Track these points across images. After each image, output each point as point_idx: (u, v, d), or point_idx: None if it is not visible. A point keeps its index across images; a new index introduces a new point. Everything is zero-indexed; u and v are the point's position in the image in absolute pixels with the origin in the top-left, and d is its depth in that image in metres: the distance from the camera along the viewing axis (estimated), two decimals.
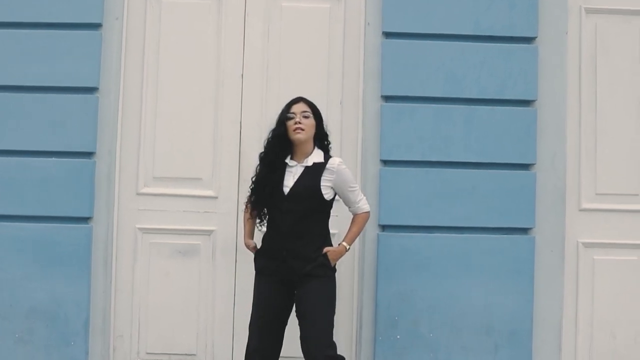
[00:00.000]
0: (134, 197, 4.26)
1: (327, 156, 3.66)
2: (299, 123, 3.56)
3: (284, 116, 3.62)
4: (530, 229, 4.22)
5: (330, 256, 3.58)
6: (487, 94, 4.21)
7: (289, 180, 3.58)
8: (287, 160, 3.61)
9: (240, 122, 4.31)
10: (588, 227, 4.39)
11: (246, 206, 3.76)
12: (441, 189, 4.16)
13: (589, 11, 4.46)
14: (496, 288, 4.16)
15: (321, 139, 3.69)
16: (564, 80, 4.33)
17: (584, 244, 4.38)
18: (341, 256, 3.62)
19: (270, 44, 4.34)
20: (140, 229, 4.25)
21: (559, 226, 4.27)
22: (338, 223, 4.03)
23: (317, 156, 3.62)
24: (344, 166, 3.63)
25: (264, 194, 3.56)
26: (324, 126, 3.70)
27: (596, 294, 4.38)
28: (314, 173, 3.58)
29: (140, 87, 4.29)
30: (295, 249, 3.53)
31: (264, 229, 3.68)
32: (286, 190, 3.56)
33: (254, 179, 3.64)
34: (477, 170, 4.19)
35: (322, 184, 3.56)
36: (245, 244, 3.77)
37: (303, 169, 3.60)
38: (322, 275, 3.54)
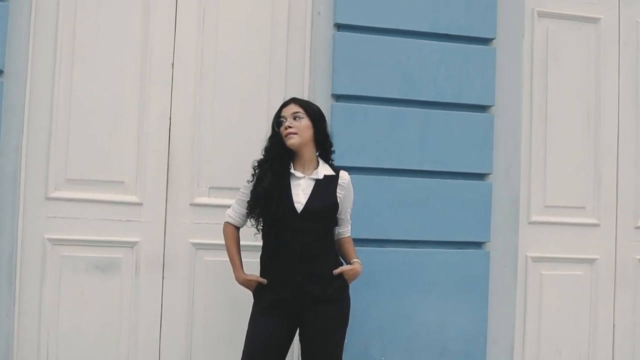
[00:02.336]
0: (42, 202, 3.59)
1: (335, 167, 3.24)
2: (290, 127, 3.10)
3: (275, 122, 3.16)
4: (484, 243, 3.97)
5: (350, 276, 3.20)
6: (444, 97, 3.91)
7: (299, 195, 3.11)
8: (292, 171, 3.14)
9: (170, 118, 3.76)
10: (537, 241, 4.20)
11: (227, 224, 3.27)
12: (394, 199, 3.81)
13: (542, 15, 4.27)
14: (450, 306, 3.87)
15: (323, 142, 3.22)
16: (520, 86, 4.11)
17: (532, 258, 4.18)
18: (358, 275, 3.24)
19: (206, 29, 3.82)
20: (49, 239, 3.59)
21: (512, 240, 4.04)
22: None
23: (325, 168, 3.19)
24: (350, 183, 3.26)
25: (277, 209, 3.05)
26: (326, 127, 3.23)
27: (543, 310, 4.21)
28: (327, 188, 3.16)
29: (52, 72, 3.62)
30: (312, 272, 3.09)
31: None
32: (299, 207, 3.09)
33: (254, 187, 3.13)
34: (431, 179, 3.88)
35: (337, 200, 3.18)
36: (246, 280, 3.22)
37: (313, 182, 3.14)
38: (341, 298, 3.17)
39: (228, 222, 3.27)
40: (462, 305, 3.89)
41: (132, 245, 3.68)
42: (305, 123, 3.13)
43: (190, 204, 3.76)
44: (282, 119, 3.14)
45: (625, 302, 4.33)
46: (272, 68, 3.89)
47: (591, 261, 4.30)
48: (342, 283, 3.20)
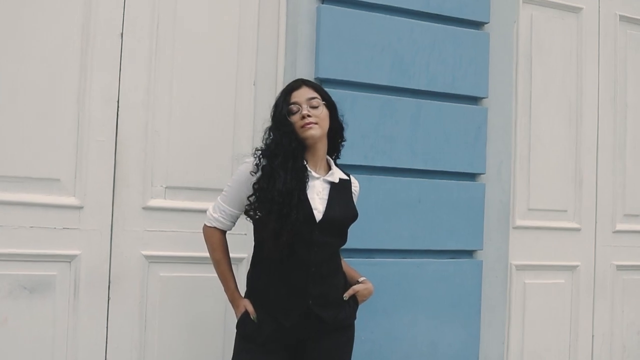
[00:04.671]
0: None
1: (345, 171, 2.67)
2: (308, 116, 2.48)
3: (285, 109, 2.51)
4: (475, 251, 3.54)
5: (364, 296, 2.67)
6: (436, 86, 3.42)
7: (315, 200, 2.49)
8: (310, 170, 2.52)
9: (118, 101, 3.03)
10: (521, 247, 3.83)
11: (212, 229, 2.60)
12: (384, 201, 3.29)
13: (526, 1, 3.90)
14: (442, 324, 3.41)
15: (334, 135, 2.62)
16: (510, 77, 3.70)
17: (516, 266, 3.81)
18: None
19: None
20: None
21: (503, 247, 3.64)
22: (248, 245, 2.93)
23: (337, 169, 2.62)
24: None
25: (298, 216, 2.40)
26: (339, 116, 2.63)
27: (527, 322, 3.85)
28: (344, 194, 2.60)
29: None
30: (324, 294, 2.52)
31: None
32: (318, 215, 2.47)
33: (262, 185, 2.44)
34: (423, 179, 3.39)
35: (356, 209, 2.64)
36: (242, 305, 2.56)
37: (328, 186, 2.54)
38: (351, 325, 2.65)
39: (214, 227, 2.60)
40: (454, 322, 3.44)
41: (69, 259, 2.93)
42: (324, 111, 2.54)
43: (143, 208, 3.06)
44: (295, 105, 2.53)
45: (604, 310, 4.07)
46: (240, 45, 3.26)
47: (572, 268, 3.99)
48: (354, 306, 2.66)
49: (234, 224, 2.63)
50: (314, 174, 2.54)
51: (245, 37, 3.27)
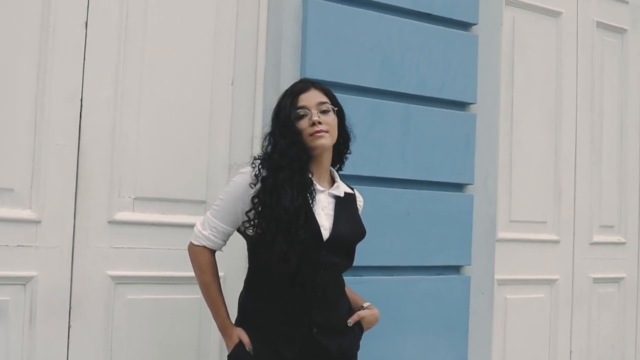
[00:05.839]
0: None
1: (348, 184, 2.41)
2: (319, 123, 2.20)
3: (292, 114, 2.22)
4: (463, 266, 3.33)
5: (370, 323, 2.42)
6: (426, 90, 3.21)
7: (321, 216, 2.21)
8: (315, 183, 2.23)
9: (81, 100, 2.65)
10: (502, 261, 3.64)
11: (201, 248, 2.27)
12: (373, 214, 3.01)
13: (509, 2, 3.73)
14: (430, 346, 3.19)
15: (339, 146, 2.35)
16: (497, 81, 3.52)
17: (498, 281, 3.63)
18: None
19: None
20: None
21: (489, 262, 3.45)
22: (226, 261, 2.61)
23: (341, 182, 2.36)
24: None
25: (306, 236, 2.13)
26: (347, 125, 2.36)
27: (508, 338, 3.68)
28: (351, 209, 2.35)
29: None
30: (330, 322, 2.25)
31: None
32: (325, 233, 2.20)
33: (266, 201, 2.15)
34: (413, 190, 3.16)
35: (364, 227, 2.36)
36: (235, 335, 2.23)
37: (334, 200, 2.27)
38: (356, 354, 2.40)
39: (202, 246, 2.27)
40: (443, 344, 3.22)
41: (24, 281, 2.53)
42: (334, 119, 2.27)
43: (109, 222, 2.69)
44: (302, 109, 2.24)
45: (581, 325, 3.96)
46: (218, 35, 2.94)
47: (552, 282, 3.86)
48: (358, 333, 2.40)
49: (226, 242, 2.33)
50: (318, 186, 2.27)
51: (222, 31, 2.95)
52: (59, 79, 2.61)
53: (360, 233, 2.37)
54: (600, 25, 4.07)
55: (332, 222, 2.24)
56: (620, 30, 4.18)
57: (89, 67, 2.67)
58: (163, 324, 2.76)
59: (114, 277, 2.69)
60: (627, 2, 4.21)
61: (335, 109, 2.29)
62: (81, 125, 2.65)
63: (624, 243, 4.16)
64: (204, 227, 2.28)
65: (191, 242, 2.31)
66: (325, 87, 2.33)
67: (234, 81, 2.96)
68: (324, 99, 2.27)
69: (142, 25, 2.78)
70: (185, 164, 2.84)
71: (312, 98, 2.25)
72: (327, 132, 2.22)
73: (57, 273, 2.59)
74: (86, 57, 2.66)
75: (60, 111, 2.62)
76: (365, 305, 2.44)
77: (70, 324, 2.61)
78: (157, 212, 2.78)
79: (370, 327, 2.43)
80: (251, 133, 2.97)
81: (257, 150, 2.92)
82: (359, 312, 2.39)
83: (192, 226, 2.76)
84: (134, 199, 2.75)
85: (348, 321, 2.35)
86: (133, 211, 2.75)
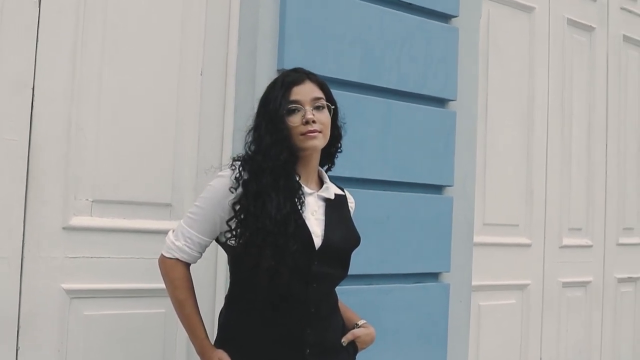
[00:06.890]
0: None
1: (337, 184, 2.19)
2: (313, 122, 1.96)
3: (282, 108, 1.97)
4: (441, 273, 3.15)
5: (365, 342, 2.21)
6: (407, 85, 3.00)
7: (310, 221, 1.98)
8: (302, 185, 2.00)
9: (33, 89, 2.31)
10: (476, 266, 3.48)
11: (174, 261, 2.00)
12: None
13: None
14: (407, 356, 2.99)
15: (329, 144, 2.10)
16: (476, 78, 3.35)
17: (472, 287, 3.47)
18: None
19: None
20: None
21: (467, 268, 3.28)
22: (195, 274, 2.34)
23: (331, 183, 2.14)
24: None
25: (297, 246, 1.90)
26: (339, 119, 2.14)
27: (481, 347, 3.53)
28: (343, 213, 2.14)
29: None
30: (323, 340, 2.03)
31: None
32: (317, 241, 1.96)
33: (249, 208, 1.90)
34: (393, 192, 2.96)
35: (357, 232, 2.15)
36: (216, 358, 1.97)
37: (324, 204, 2.04)
38: None
39: (175, 259, 2.01)
40: (421, 355, 3.03)
41: None
42: (327, 117, 2.05)
43: (63, 228, 2.36)
44: (296, 105, 1.99)
45: (551, 331, 3.86)
46: (185, 20, 2.64)
47: (523, 287, 3.75)
48: (353, 354, 2.18)
49: (202, 255, 2.07)
50: (306, 189, 2.04)
51: (191, 15, 2.66)
52: (7, 64, 2.27)
53: (355, 239, 2.15)
54: (570, 22, 3.97)
55: (323, 227, 2.02)
56: (589, 29, 4.10)
57: (42, 52, 2.33)
58: (124, 342, 2.46)
59: (69, 291, 2.37)
60: (594, 0, 4.13)
61: (332, 107, 2.07)
62: (32, 118, 2.31)
63: (590, 246, 4.09)
64: (177, 237, 2.02)
65: (162, 255, 2.04)
66: (321, 81, 2.09)
67: (203, 71, 2.67)
68: (320, 94, 2.04)
69: (103, 6, 2.46)
70: (149, 162, 2.54)
71: (307, 92, 2.01)
72: (320, 132, 1.99)
73: (3, 287, 2.25)
74: (39, 40, 2.33)
75: (9, 101, 2.27)
76: (360, 323, 2.22)
77: (19, 345, 2.27)
78: (118, 217, 2.47)
79: (365, 348, 2.21)
80: (222, 128, 2.70)
81: (228, 148, 2.70)
82: (353, 331, 2.17)
83: (156, 232, 2.51)
84: (92, 201, 2.43)
85: (342, 340, 2.13)
86: (91, 216, 2.43)
